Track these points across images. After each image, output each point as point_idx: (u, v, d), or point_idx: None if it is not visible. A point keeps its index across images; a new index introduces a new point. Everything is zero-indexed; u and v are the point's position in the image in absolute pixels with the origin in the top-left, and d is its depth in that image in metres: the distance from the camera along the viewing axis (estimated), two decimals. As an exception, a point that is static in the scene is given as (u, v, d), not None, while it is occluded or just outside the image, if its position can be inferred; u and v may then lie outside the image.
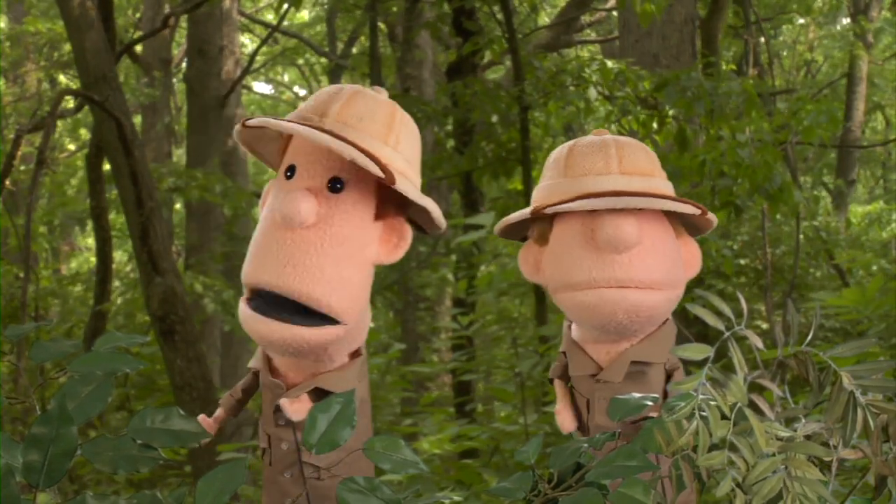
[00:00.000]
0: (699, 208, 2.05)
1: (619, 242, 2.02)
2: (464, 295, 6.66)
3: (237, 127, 1.99)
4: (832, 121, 6.57)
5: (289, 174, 1.93)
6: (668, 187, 2.12)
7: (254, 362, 2.02)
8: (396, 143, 1.92)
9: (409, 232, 1.96)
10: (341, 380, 1.93)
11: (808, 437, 1.43)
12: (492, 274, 5.44)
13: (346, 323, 1.89)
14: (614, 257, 2.03)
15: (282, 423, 1.94)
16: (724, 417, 1.41)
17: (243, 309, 1.92)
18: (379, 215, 1.93)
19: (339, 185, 1.89)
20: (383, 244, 1.94)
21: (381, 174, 1.82)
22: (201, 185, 9.05)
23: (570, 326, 2.20)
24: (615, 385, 2.05)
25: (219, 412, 2.07)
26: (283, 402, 1.91)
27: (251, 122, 1.92)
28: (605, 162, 2.08)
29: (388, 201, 1.93)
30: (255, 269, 1.90)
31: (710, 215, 2.11)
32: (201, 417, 2.00)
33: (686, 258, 2.15)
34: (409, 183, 1.92)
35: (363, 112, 1.91)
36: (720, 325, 1.43)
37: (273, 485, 1.97)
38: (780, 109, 6.79)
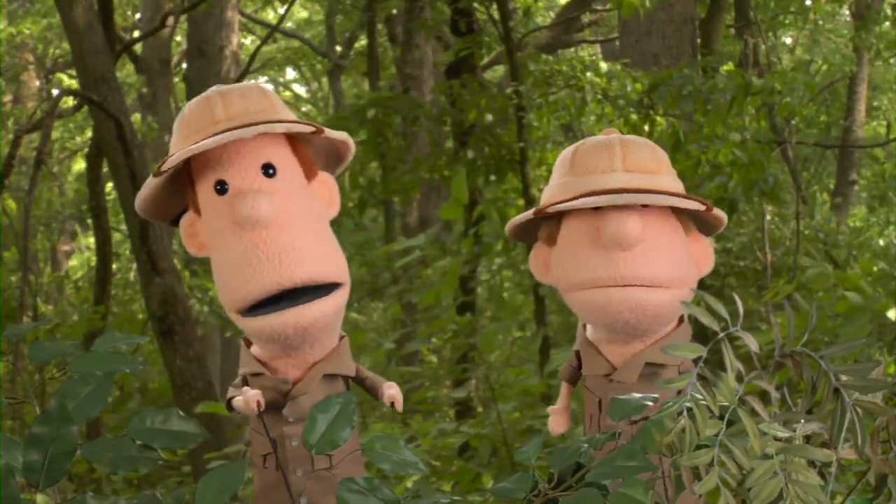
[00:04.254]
0: (704, 204, 2.05)
1: (623, 239, 2.01)
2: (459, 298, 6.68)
3: (151, 180, 1.94)
4: (808, 87, 6.58)
5: (219, 188, 1.93)
6: (675, 184, 2.11)
7: (246, 368, 1.99)
8: (279, 102, 2.00)
9: (335, 182, 2.06)
10: (343, 360, 1.98)
11: (807, 438, 1.43)
12: (436, 290, 5.48)
13: (345, 281, 1.95)
14: (619, 255, 2.03)
15: (292, 421, 1.93)
16: (715, 417, 1.40)
17: (247, 321, 1.92)
18: (307, 176, 2.01)
19: (272, 171, 1.94)
20: (323, 201, 2.02)
21: (313, 129, 1.93)
22: None
23: (584, 326, 2.20)
24: (628, 386, 2.03)
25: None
26: (391, 393, 1.95)
27: (167, 165, 1.89)
28: (609, 160, 2.07)
29: (304, 162, 2.01)
30: (244, 284, 1.89)
31: (718, 212, 2.10)
32: (253, 393, 1.91)
33: (696, 256, 2.14)
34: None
35: (240, 100, 1.95)
36: (715, 326, 1.43)
37: (279, 490, 1.93)
38: (757, 85, 6.72)
